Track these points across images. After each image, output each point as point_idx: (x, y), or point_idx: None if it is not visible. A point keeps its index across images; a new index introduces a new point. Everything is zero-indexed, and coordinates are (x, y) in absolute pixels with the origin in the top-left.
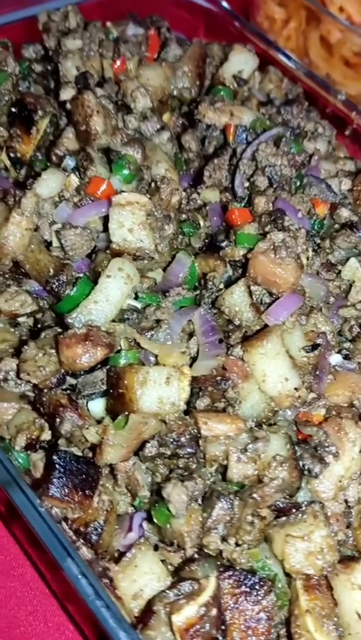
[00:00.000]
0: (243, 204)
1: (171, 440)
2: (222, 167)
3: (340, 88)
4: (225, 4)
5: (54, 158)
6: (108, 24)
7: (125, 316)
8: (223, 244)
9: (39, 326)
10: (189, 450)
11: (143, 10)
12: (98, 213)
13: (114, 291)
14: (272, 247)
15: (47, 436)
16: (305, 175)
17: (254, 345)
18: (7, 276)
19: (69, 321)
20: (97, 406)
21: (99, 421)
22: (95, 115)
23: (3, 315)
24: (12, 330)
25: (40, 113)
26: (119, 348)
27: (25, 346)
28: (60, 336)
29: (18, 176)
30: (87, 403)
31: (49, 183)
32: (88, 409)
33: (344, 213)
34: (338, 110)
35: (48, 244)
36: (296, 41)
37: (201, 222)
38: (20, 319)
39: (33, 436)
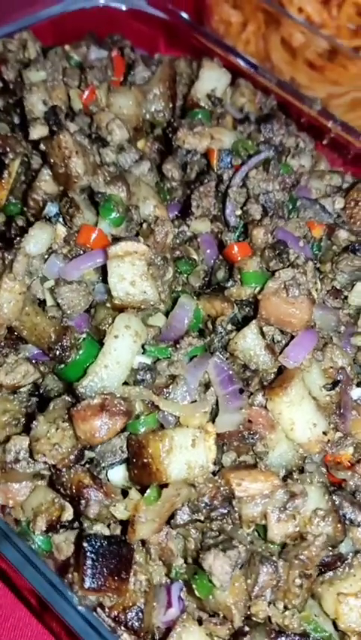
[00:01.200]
0: (237, 234)
1: (204, 505)
2: (209, 194)
3: (305, 91)
4: (184, 14)
5: (32, 203)
6: (67, 47)
7: (139, 377)
8: (228, 284)
9: (41, 393)
10: (222, 511)
11: (99, 26)
12: (93, 265)
13: (124, 351)
14: (283, 286)
15: (68, 515)
16: (297, 198)
17: (278, 393)
18: (2, 344)
19: (81, 390)
20: (117, 475)
21: (123, 491)
22: (74, 156)
23: (5, 389)
24: (11, 398)
25: (10, 155)
26: (136, 412)
27: (33, 422)
28: (73, 409)
29: None
30: (106, 472)
31: (38, 239)
32: (107, 479)
33: (343, 235)
34: (313, 120)
35: (40, 302)
36: (256, 45)
37: (195, 256)
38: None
39: (53, 517)
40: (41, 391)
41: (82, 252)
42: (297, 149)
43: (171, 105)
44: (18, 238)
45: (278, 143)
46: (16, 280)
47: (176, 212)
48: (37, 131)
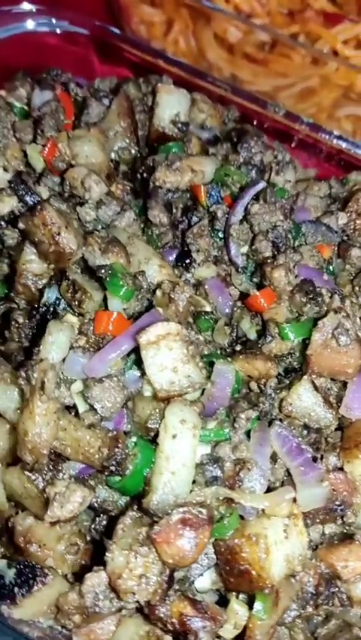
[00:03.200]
0: (247, 275)
1: (310, 595)
2: (203, 234)
3: (249, 87)
4: (115, 29)
5: (20, 288)
6: (3, 93)
7: (208, 474)
8: (267, 340)
9: (98, 512)
10: (326, 594)
11: (24, 53)
12: (121, 354)
13: (187, 451)
14: (330, 336)
15: None
16: (300, 223)
17: (357, 455)
18: (44, 473)
19: (153, 508)
20: (205, 582)
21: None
22: (64, 231)
23: (63, 523)
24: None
25: None
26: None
27: (106, 554)
28: (152, 533)
29: None
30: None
31: (60, 344)
32: (195, 590)
33: (357, 253)
34: (277, 124)
35: (68, 406)
36: (187, 45)
37: (208, 307)
38: None
39: None
40: (98, 511)
41: (101, 340)
42: (278, 164)
43: (135, 138)
44: (37, 349)
45: (259, 161)
46: (50, 400)
47: (171, 259)
48: (6, 205)
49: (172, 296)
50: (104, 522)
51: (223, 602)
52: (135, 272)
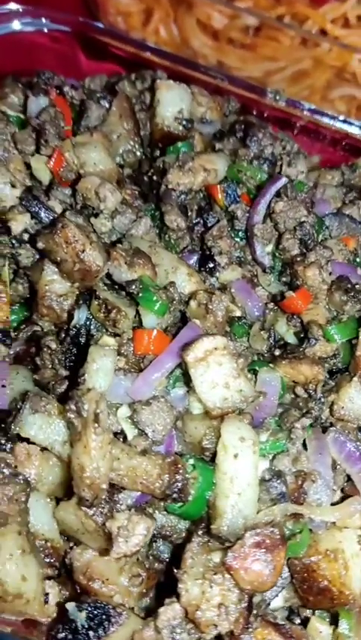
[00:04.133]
0: (275, 274)
1: None
2: (223, 235)
3: (238, 73)
4: (99, 24)
5: (44, 310)
6: None
7: (273, 490)
8: (311, 343)
9: (156, 538)
10: None
11: (5, 55)
12: (165, 373)
13: (250, 470)
14: None
15: None
16: (323, 217)
17: None
18: (102, 506)
19: (225, 534)
20: (278, 601)
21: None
22: (89, 248)
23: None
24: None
25: None
26: (287, 533)
27: (179, 585)
28: (227, 561)
29: (4, 354)
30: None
31: (105, 370)
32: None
33: None
34: (277, 112)
35: (115, 433)
36: (168, 34)
37: (238, 312)
38: None
39: None
40: (156, 538)
41: (141, 360)
42: (289, 155)
43: (139, 140)
44: (81, 378)
45: (270, 154)
46: (104, 432)
47: (191, 263)
48: (20, 224)
49: (210, 307)
50: (161, 546)
51: (291, 615)
52: (165, 284)
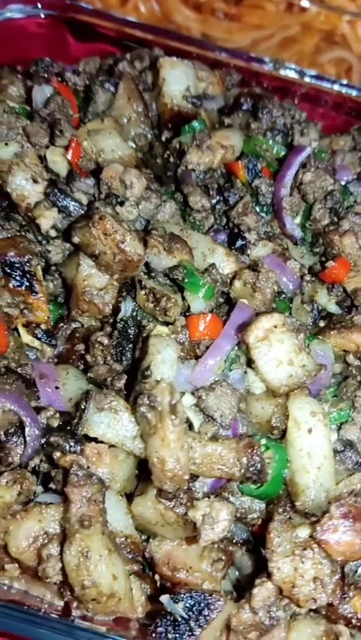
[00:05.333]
0: (307, 246)
1: None
2: (248, 211)
3: (226, 44)
4: (84, 4)
5: (85, 306)
6: None
7: (347, 461)
8: (360, 310)
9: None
10: None
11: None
12: (224, 357)
13: (325, 442)
14: None
15: None
16: (347, 184)
17: None
18: (180, 497)
19: (311, 509)
20: None
21: None
22: (129, 237)
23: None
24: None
25: (33, 261)
26: None
27: (270, 565)
28: (317, 536)
29: (49, 355)
30: None
31: (170, 360)
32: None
33: None
34: (276, 80)
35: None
36: (148, 10)
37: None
38: None
39: None
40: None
41: (196, 345)
42: (300, 124)
43: (149, 123)
44: (148, 371)
45: (282, 125)
46: (181, 423)
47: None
48: (49, 220)
49: (258, 285)
50: (233, 528)
51: None
52: (205, 266)
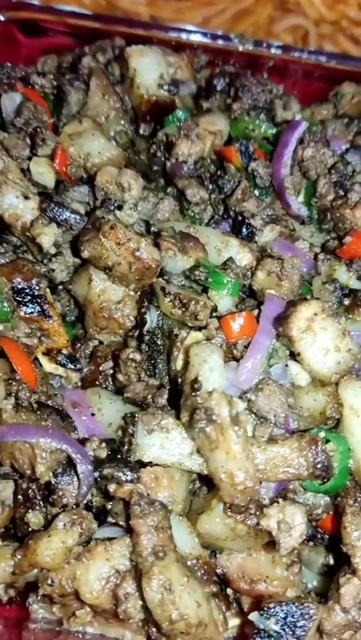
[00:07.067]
0: (315, 224)
1: None
2: (246, 196)
3: (177, 24)
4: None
5: (104, 323)
6: None
7: None
8: None
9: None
10: None
11: None
12: (264, 355)
13: None
14: None
15: None
16: (342, 154)
17: None
18: (250, 509)
19: None
20: None
21: None
22: (144, 243)
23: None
24: None
25: (41, 283)
26: None
27: (354, 560)
28: None
29: (75, 381)
30: None
31: (218, 367)
32: None
33: None
34: (244, 56)
35: None
36: None
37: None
38: None
39: None
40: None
41: (233, 346)
42: (281, 98)
43: (127, 118)
44: (197, 384)
45: (264, 102)
46: (244, 434)
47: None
48: (49, 237)
49: (284, 273)
50: None
51: None
52: (221, 262)
